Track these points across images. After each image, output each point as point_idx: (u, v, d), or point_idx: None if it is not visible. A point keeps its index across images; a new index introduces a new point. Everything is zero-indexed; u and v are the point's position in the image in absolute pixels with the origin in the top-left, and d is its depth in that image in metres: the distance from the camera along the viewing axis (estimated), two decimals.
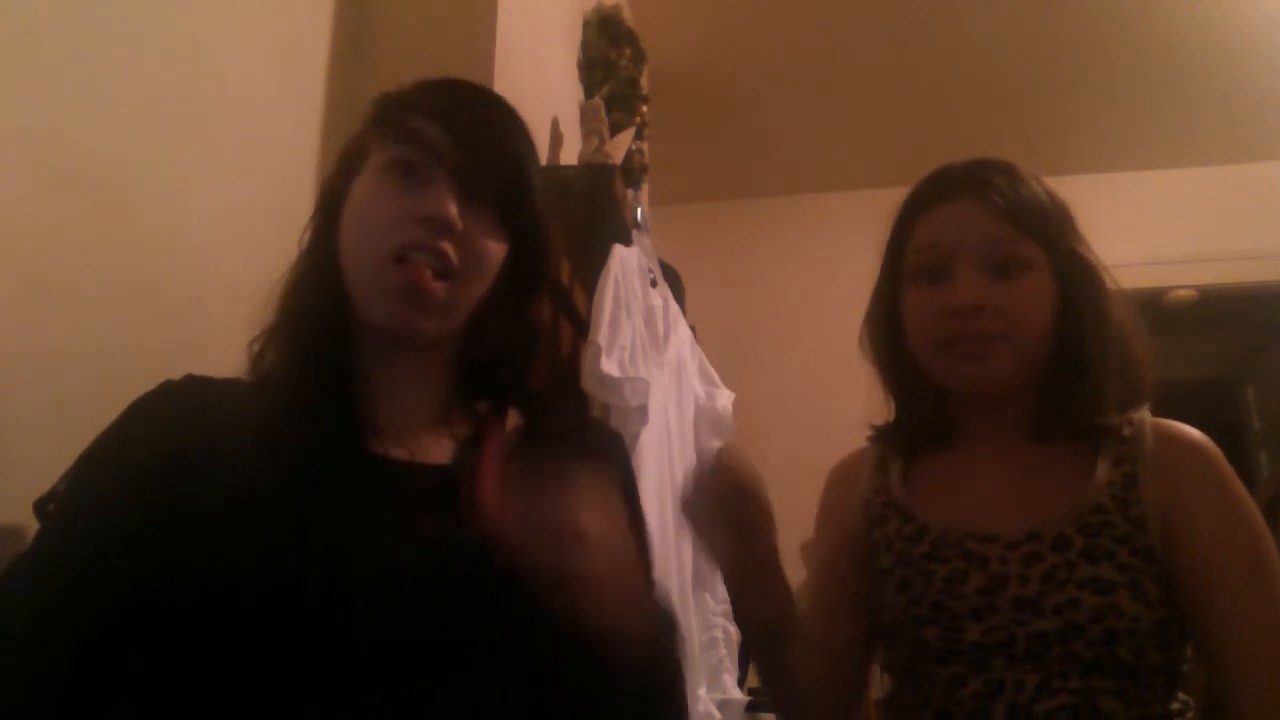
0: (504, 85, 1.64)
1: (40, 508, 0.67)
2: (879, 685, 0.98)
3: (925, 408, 0.98)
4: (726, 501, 0.80)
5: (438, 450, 0.75)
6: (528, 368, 0.83)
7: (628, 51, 2.55)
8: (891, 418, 1.02)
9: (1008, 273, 0.89)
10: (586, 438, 0.86)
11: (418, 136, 0.74)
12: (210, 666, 0.60)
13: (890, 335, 0.98)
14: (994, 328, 0.88)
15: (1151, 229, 3.75)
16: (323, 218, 0.79)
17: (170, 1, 1.09)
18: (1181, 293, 3.83)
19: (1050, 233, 0.91)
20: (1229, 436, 4.59)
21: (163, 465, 0.66)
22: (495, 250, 0.77)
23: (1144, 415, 0.91)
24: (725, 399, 2.17)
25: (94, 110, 0.95)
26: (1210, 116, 3.52)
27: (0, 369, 0.81)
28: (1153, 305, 3.80)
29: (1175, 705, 0.84)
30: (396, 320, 0.72)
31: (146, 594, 0.61)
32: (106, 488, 0.66)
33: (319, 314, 0.75)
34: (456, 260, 0.72)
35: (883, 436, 1.03)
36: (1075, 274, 0.91)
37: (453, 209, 0.72)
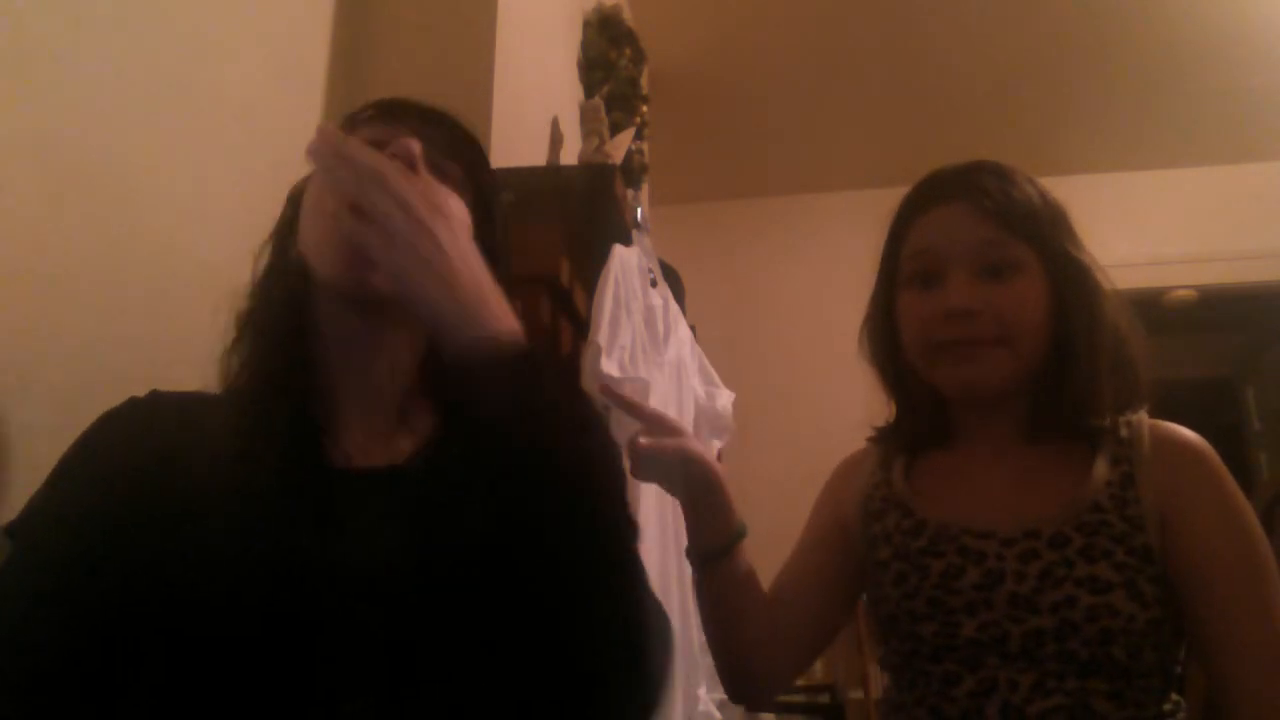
0: (504, 85, 1.64)
1: (10, 530, 0.65)
2: (878, 684, 1.00)
3: (923, 410, 0.98)
4: (653, 458, 0.97)
5: (396, 450, 0.73)
6: None
7: (628, 51, 2.55)
8: (892, 419, 1.03)
9: (1000, 275, 0.89)
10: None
11: (387, 112, 0.77)
12: (182, 680, 0.60)
13: (887, 340, 0.99)
14: (988, 331, 0.88)
15: (1151, 229, 3.76)
16: (282, 231, 0.79)
17: (171, 2, 1.09)
18: (1181, 293, 3.83)
19: (1042, 234, 0.91)
20: (1229, 437, 4.60)
21: (129, 478, 0.65)
22: (458, 206, 0.74)
23: (1141, 416, 0.91)
24: (725, 399, 2.17)
25: (94, 110, 0.95)
26: (1210, 116, 3.52)
27: (0, 368, 0.81)
28: (1153, 305, 3.80)
29: (1167, 706, 0.84)
30: (346, 276, 0.69)
31: (119, 606, 0.61)
32: (75, 502, 0.65)
33: (279, 320, 0.74)
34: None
35: (884, 438, 1.04)
36: (1068, 275, 0.91)
37: (416, 146, 0.70)
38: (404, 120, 0.76)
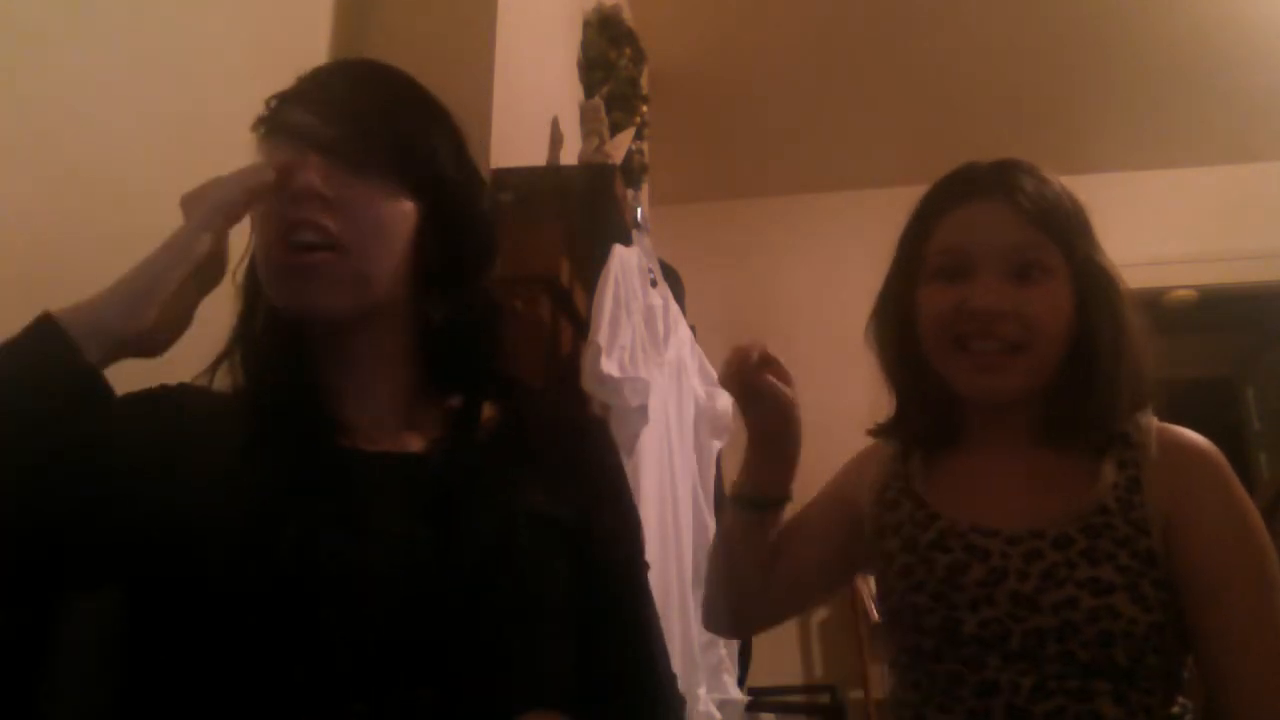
0: (504, 85, 1.64)
1: None
2: (882, 684, 1.00)
3: (934, 407, 0.97)
4: (748, 379, 0.91)
5: (409, 444, 0.74)
6: (495, 349, 0.80)
7: (628, 51, 2.55)
8: (892, 414, 1.02)
9: (1029, 278, 0.88)
10: (569, 424, 0.84)
11: (282, 127, 0.74)
12: (191, 672, 0.60)
13: (900, 332, 0.97)
14: (1014, 334, 0.87)
15: (1151, 229, 3.75)
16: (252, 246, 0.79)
17: (171, 3, 1.09)
18: (1181, 293, 3.83)
19: (1073, 239, 0.90)
20: (1229, 436, 4.59)
21: (147, 455, 0.66)
22: (392, 211, 0.73)
23: (1150, 419, 0.91)
24: (725, 399, 2.17)
25: (93, 110, 0.95)
26: (1211, 116, 3.52)
27: None
28: (1153, 305, 3.80)
29: (1176, 710, 0.84)
30: (292, 302, 0.71)
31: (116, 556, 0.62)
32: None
33: (268, 330, 0.75)
34: (336, 228, 0.70)
35: (883, 433, 1.03)
36: (1094, 283, 0.90)
37: (312, 177, 0.70)
38: (304, 132, 0.73)
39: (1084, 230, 0.92)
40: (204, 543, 0.62)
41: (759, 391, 0.92)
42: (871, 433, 1.05)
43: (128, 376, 0.77)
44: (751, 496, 1.00)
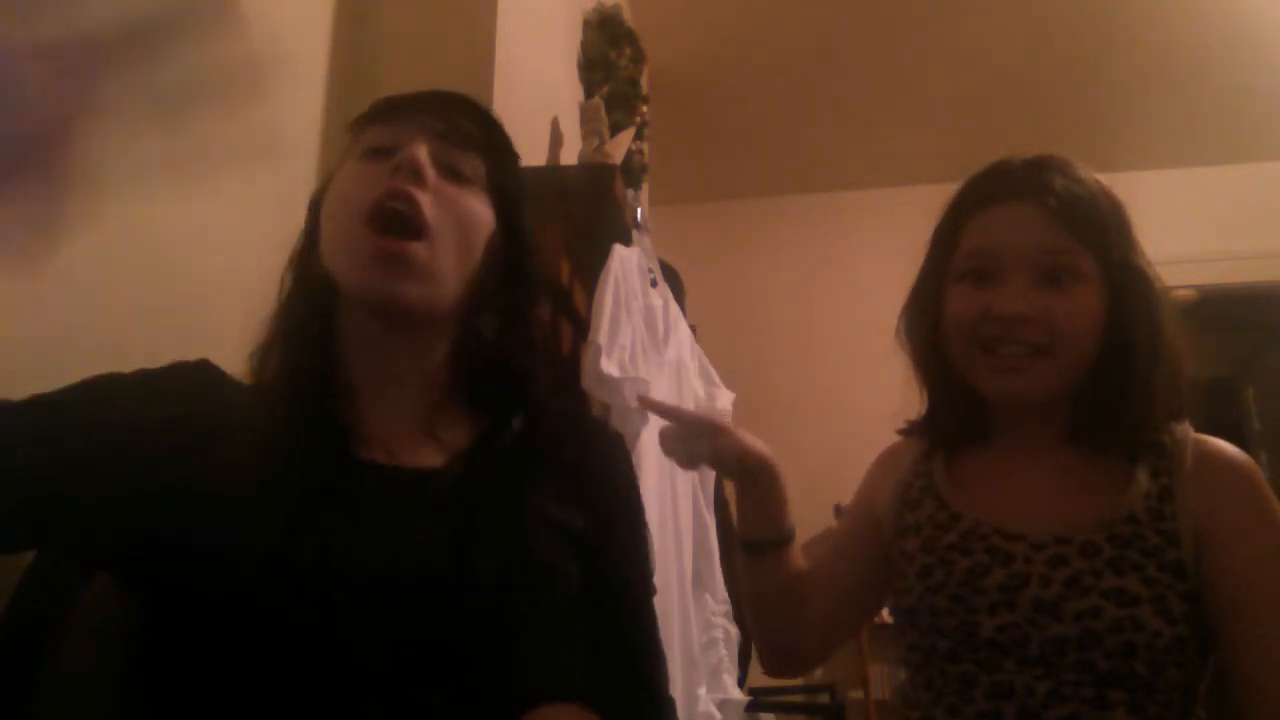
0: (504, 85, 1.64)
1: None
2: (882, 684, 0.99)
3: (960, 406, 0.96)
4: (693, 444, 0.97)
5: (427, 457, 0.73)
6: (534, 372, 0.80)
7: (628, 51, 2.55)
8: (924, 412, 1.01)
9: (1059, 283, 0.86)
10: (588, 438, 0.84)
11: (394, 111, 0.75)
12: (208, 673, 0.60)
13: (929, 331, 0.96)
14: (1038, 338, 0.86)
15: (1151, 229, 3.73)
16: (308, 233, 0.79)
17: None
18: (1181, 293, 3.83)
19: (1106, 243, 0.88)
20: (1229, 436, 4.56)
21: (160, 431, 0.66)
22: (479, 211, 0.74)
23: (1185, 429, 0.89)
24: (725, 399, 2.17)
25: (92, 110, 0.95)
26: (1211, 116, 3.52)
27: (1, 368, 0.81)
28: None
29: None
30: (375, 287, 0.70)
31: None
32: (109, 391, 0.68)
33: (306, 321, 0.74)
34: (430, 214, 0.70)
35: (915, 431, 1.02)
36: (1130, 288, 0.88)
37: (423, 154, 0.71)
38: (414, 120, 0.74)
39: (1120, 231, 0.90)
40: (220, 547, 0.62)
41: (712, 459, 0.97)
42: (902, 431, 1.04)
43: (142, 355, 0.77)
44: (751, 539, 0.99)
